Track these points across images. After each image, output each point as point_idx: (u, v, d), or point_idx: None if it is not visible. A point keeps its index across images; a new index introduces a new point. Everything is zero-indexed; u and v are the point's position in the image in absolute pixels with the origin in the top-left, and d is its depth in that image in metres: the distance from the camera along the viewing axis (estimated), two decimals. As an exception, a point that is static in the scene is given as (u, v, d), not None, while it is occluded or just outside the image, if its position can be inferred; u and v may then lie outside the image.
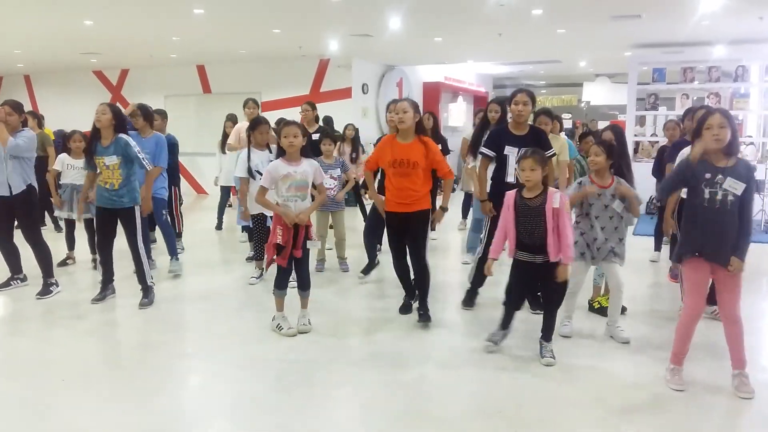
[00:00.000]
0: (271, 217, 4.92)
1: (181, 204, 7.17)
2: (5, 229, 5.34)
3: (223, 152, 8.47)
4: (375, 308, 5.06)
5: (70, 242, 6.50)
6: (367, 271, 5.86)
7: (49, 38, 9.78)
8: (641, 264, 6.48)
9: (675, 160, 4.53)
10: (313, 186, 4.38)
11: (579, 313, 4.57)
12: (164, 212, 6.05)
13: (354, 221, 8.28)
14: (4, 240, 5.39)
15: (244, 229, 6.98)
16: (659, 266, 6.49)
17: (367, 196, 6.88)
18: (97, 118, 4.79)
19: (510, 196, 3.84)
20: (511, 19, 8.39)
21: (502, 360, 3.90)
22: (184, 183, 9.48)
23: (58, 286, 5.43)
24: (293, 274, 4.43)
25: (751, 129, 11.27)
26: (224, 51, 11.25)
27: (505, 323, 4.02)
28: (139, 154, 4.88)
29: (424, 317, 4.52)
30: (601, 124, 13.08)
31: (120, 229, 5.01)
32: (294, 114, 8.25)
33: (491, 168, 4.70)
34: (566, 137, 6.29)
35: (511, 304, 4.01)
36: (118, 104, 5.48)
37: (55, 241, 6.67)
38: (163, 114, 6.80)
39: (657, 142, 9.87)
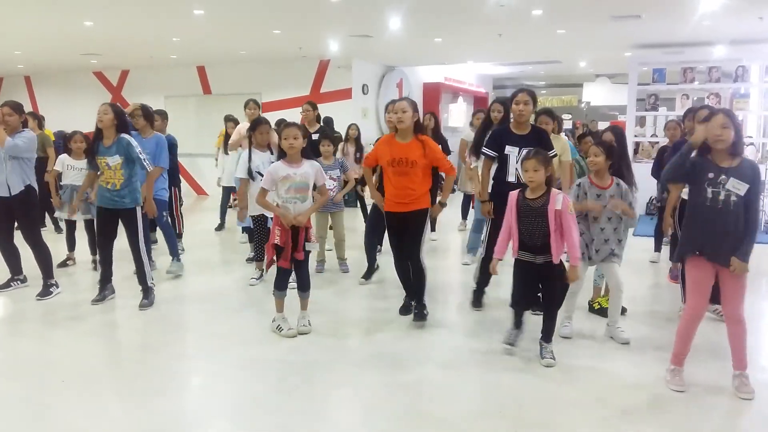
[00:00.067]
0: (272, 218, 4.92)
1: (181, 205, 7.17)
2: (5, 230, 5.34)
3: (226, 153, 8.48)
4: (375, 309, 5.06)
5: (71, 243, 6.49)
6: (367, 276, 5.83)
7: (50, 39, 9.79)
8: (641, 265, 6.47)
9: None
10: (315, 187, 4.38)
11: (579, 313, 4.57)
12: (165, 213, 6.05)
13: (354, 222, 8.28)
14: (4, 241, 5.39)
15: (245, 230, 6.97)
16: (659, 267, 6.49)
17: (365, 192, 6.89)
18: (99, 119, 4.81)
19: (513, 195, 3.85)
20: (511, 20, 8.39)
21: (502, 361, 3.90)
22: (184, 184, 9.46)
23: (58, 287, 5.43)
24: (293, 275, 4.43)
25: (751, 129, 11.26)
26: (224, 52, 11.25)
27: (517, 323, 4.03)
28: (140, 155, 4.89)
29: (419, 316, 4.53)
30: (602, 125, 13.12)
31: (120, 230, 5.01)
32: (294, 115, 8.26)
33: (493, 168, 4.70)
34: (566, 137, 6.28)
35: (517, 305, 4.01)
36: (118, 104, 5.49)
37: (55, 242, 6.67)
38: (163, 114, 6.81)
39: (657, 142, 9.86)
